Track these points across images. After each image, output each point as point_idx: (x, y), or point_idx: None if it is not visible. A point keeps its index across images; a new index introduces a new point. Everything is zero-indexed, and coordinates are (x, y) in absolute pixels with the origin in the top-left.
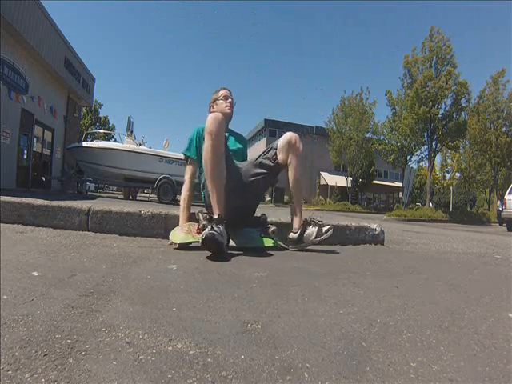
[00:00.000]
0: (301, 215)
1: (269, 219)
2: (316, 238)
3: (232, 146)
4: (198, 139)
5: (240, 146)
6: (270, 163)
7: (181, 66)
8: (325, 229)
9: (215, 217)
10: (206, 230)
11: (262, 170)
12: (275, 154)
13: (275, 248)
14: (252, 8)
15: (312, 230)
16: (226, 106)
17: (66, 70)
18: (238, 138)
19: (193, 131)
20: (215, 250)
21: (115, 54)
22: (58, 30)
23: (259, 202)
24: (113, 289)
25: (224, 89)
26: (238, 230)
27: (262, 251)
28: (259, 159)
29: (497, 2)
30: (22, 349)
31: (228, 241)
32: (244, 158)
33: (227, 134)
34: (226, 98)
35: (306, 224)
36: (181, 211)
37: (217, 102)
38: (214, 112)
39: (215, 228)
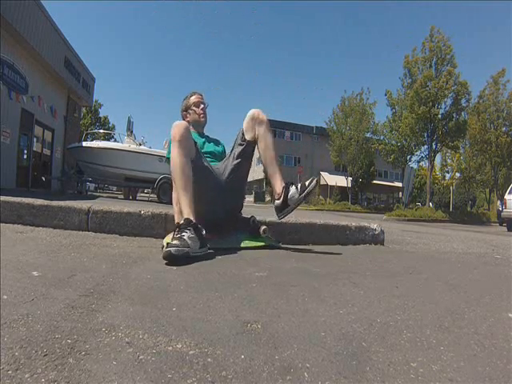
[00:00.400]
0: (280, 179)
1: (267, 219)
2: (300, 194)
3: (211, 149)
4: None
5: (219, 148)
6: (243, 147)
7: (181, 65)
8: (307, 182)
9: (181, 222)
10: (164, 249)
11: (238, 160)
12: (243, 135)
13: (268, 247)
14: (252, 8)
15: (295, 189)
16: (200, 115)
17: (66, 70)
18: (216, 142)
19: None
20: (179, 260)
21: (115, 53)
22: (58, 30)
23: (244, 196)
24: (113, 289)
25: (195, 94)
26: (227, 233)
27: (253, 251)
28: (233, 150)
29: (497, 2)
30: (21, 349)
31: (202, 243)
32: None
33: (203, 140)
34: (197, 105)
35: (287, 186)
36: (175, 215)
37: (189, 110)
38: (187, 121)
39: (173, 242)
